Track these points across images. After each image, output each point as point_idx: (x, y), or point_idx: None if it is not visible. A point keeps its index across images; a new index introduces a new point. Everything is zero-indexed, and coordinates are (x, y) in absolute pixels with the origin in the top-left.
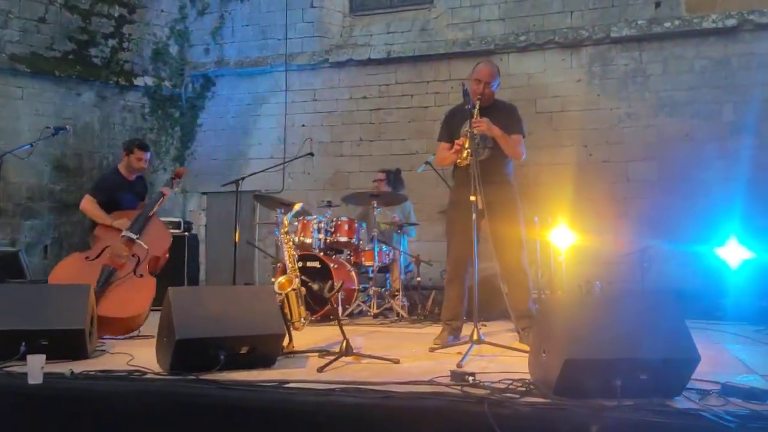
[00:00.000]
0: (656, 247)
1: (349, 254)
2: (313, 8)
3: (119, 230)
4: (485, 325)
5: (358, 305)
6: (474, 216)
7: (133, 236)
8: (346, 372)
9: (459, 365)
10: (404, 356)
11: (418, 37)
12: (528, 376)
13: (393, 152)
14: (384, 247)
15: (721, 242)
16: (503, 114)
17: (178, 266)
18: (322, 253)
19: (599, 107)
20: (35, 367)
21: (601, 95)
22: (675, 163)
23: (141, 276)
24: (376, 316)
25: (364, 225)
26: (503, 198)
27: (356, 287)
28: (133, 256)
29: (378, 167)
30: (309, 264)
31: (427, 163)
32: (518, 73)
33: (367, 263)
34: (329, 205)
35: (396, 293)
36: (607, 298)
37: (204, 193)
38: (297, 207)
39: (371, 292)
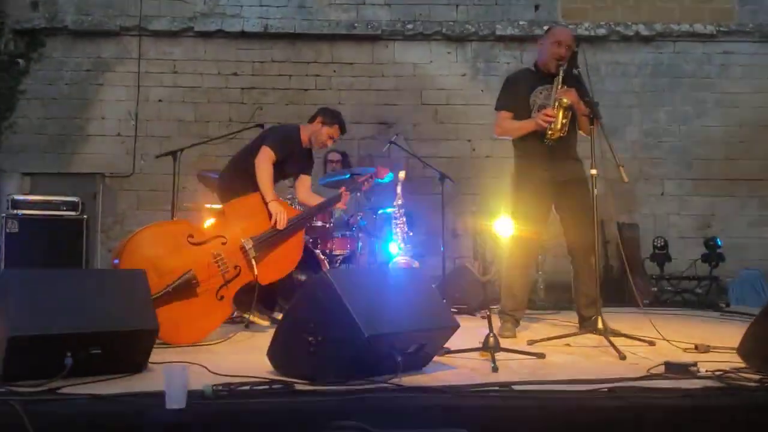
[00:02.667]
0: None
1: (311, 240)
2: None
3: (255, 224)
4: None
5: None
6: (594, 191)
7: (252, 253)
8: (521, 370)
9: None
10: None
11: (297, 13)
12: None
13: None
14: (347, 234)
15: None
16: (573, 84)
17: (75, 255)
18: None
19: (483, 103)
20: (177, 385)
21: (485, 91)
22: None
23: (221, 299)
24: None
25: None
26: (579, 176)
27: None
28: (234, 267)
29: None
30: None
31: (391, 142)
32: (404, 62)
33: (337, 251)
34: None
35: None
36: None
37: (27, 174)
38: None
39: None
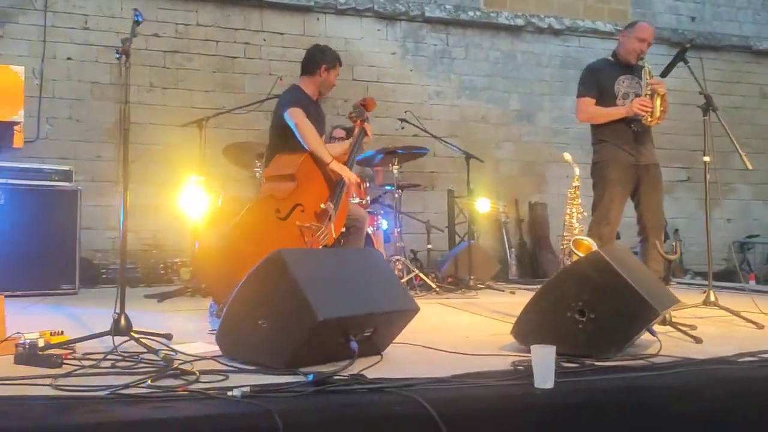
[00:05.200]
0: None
1: None
2: None
3: (320, 183)
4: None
5: None
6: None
7: (333, 211)
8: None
9: None
10: None
11: None
12: None
13: (194, 104)
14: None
15: None
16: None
17: (68, 229)
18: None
19: (411, 82)
20: (546, 364)
21: (414, 71)
22: (474, 141)
23: None
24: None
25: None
26: (656, 160)
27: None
28: (321, 233)
29: (175, 120)
30: None
31: (403, 120)
32: (336, 36)
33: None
34: None
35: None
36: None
37: None
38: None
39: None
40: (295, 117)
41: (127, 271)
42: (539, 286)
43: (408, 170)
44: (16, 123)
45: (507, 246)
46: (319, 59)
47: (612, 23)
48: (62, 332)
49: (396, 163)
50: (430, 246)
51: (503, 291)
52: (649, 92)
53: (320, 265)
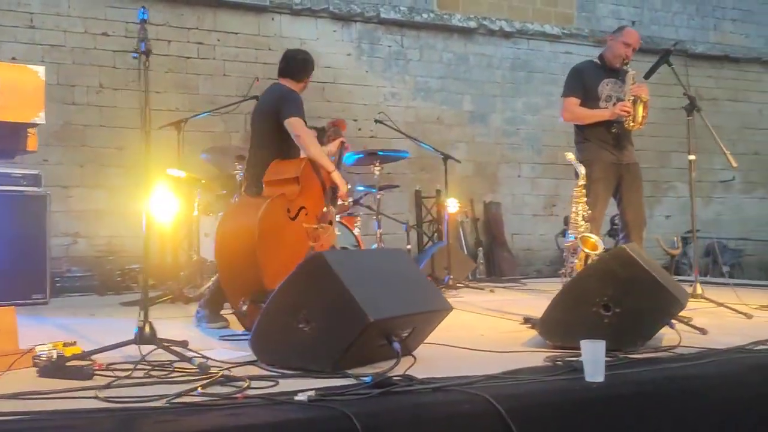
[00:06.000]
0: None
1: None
2: None
3: (318, 188)
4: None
5: None
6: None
7: (333, 215)
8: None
9: None
10: None
11: None
12: None
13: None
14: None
15: None
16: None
17: (38, 235)
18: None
19: (367, 83)
20: (597, 358)
21: (369, 72)
22: (429, 142)
23: None
24: None
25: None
26: (636, 160)
27: None
28: (324, 235)
29: (126, 123)
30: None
31: (378, 121)
32: (291, 36)
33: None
34: None
35: None
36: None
37: None
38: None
39: None
40: (297, 128)
41: (84, 279)
42: (514, 284)
43: (365, 172)
44: (36, 125)
45: (464, 244)
46: (309, 68)
47: (559, 26)
48: (75, 343)
49: (377, 165)
50: (409, 246)
51: (483, 290)
52: (632, 98)
53: (360, 266)
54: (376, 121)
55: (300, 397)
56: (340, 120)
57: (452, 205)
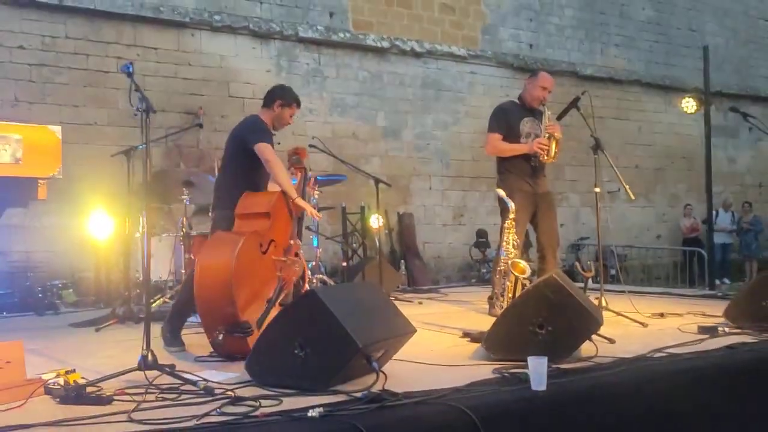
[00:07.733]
0: None
1: None
2: None
3: (286, 220)
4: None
5: None
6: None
7: (299, 247)
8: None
9: None
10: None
11: None
12: None
13: (63, 119)
14: None
15: None
16: (539, 117)
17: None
18: None
19: None
20: (540, 371)
21: None
22: (345, 156)
23: None
24: None
25: None
26: (550, 189)
27: None
28: (295, 266)
29: None
30: None
31: (312, 146)
32: (211, 52)
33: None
34: None
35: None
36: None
37: None
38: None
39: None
40: (266, 153)
41: (4, 296)
42: (435, 294)
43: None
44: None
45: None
46: (277, 95)
47: (465, 48)
48: (74, 370)
49: (316, 189)
50: (345, 264)
51: (412, 302)
52: (547, 134)
53: (345, 299)
54: (310, 146)
55: (312, 413)
56: (302, 148)
57: (375, 221)
